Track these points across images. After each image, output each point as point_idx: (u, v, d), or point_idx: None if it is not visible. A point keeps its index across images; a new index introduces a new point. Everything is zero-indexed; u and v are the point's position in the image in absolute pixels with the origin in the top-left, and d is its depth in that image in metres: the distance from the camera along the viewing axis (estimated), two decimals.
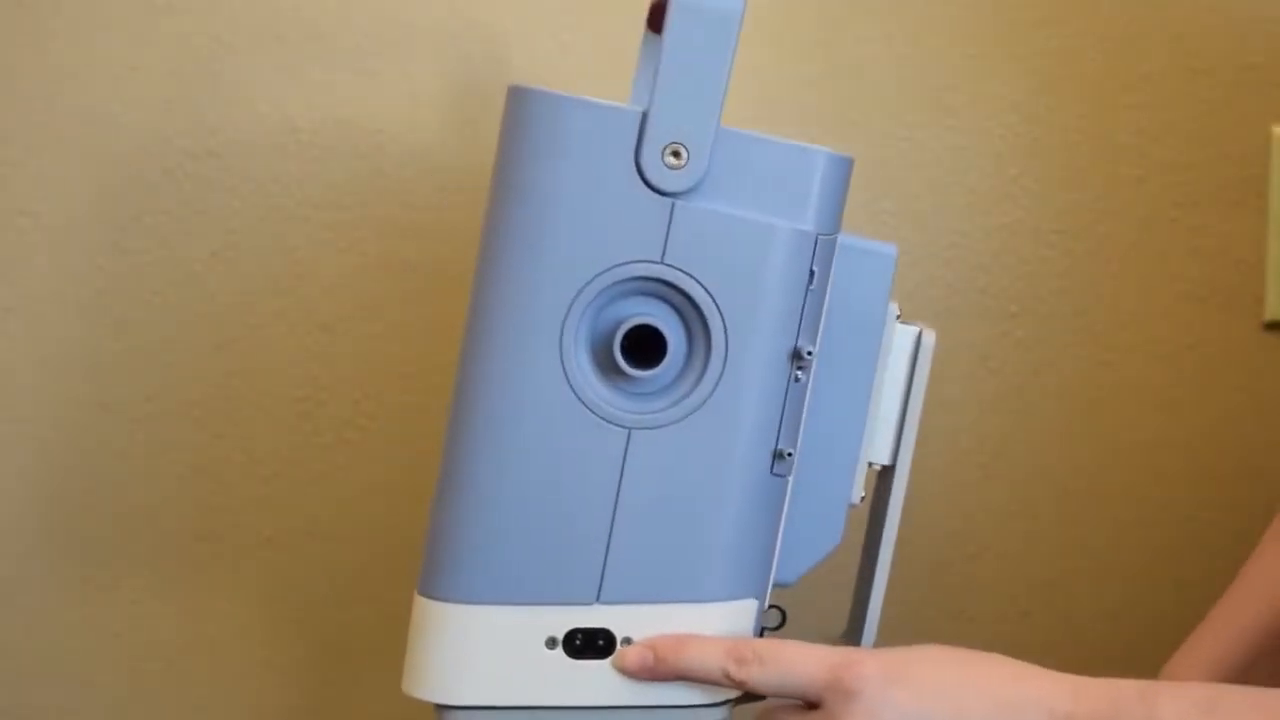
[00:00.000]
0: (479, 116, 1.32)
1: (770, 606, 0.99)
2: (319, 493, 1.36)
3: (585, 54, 1.33)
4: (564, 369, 0.92)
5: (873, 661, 0.93)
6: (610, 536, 0.93)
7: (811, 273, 0.93)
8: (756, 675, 0.93)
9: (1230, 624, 1.12)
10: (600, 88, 1.31)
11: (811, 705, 0.94)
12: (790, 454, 0.94)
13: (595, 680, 0.94)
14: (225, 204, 1.33)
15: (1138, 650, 1.40)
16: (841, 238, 0.96)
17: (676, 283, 0.92)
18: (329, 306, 1.34)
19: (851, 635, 1.05)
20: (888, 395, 1.00)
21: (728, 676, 0.93)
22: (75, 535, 1.36)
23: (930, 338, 1.00)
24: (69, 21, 1.31)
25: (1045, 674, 0.93)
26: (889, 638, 1.12)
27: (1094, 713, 0.90)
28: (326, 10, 1.32)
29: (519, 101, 0.93)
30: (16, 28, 1.31)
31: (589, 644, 0.94)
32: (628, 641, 0.94)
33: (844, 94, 1.34)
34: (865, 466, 1.01)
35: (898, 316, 1.00)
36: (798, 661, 0.93)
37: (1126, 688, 0.91)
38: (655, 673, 0.94)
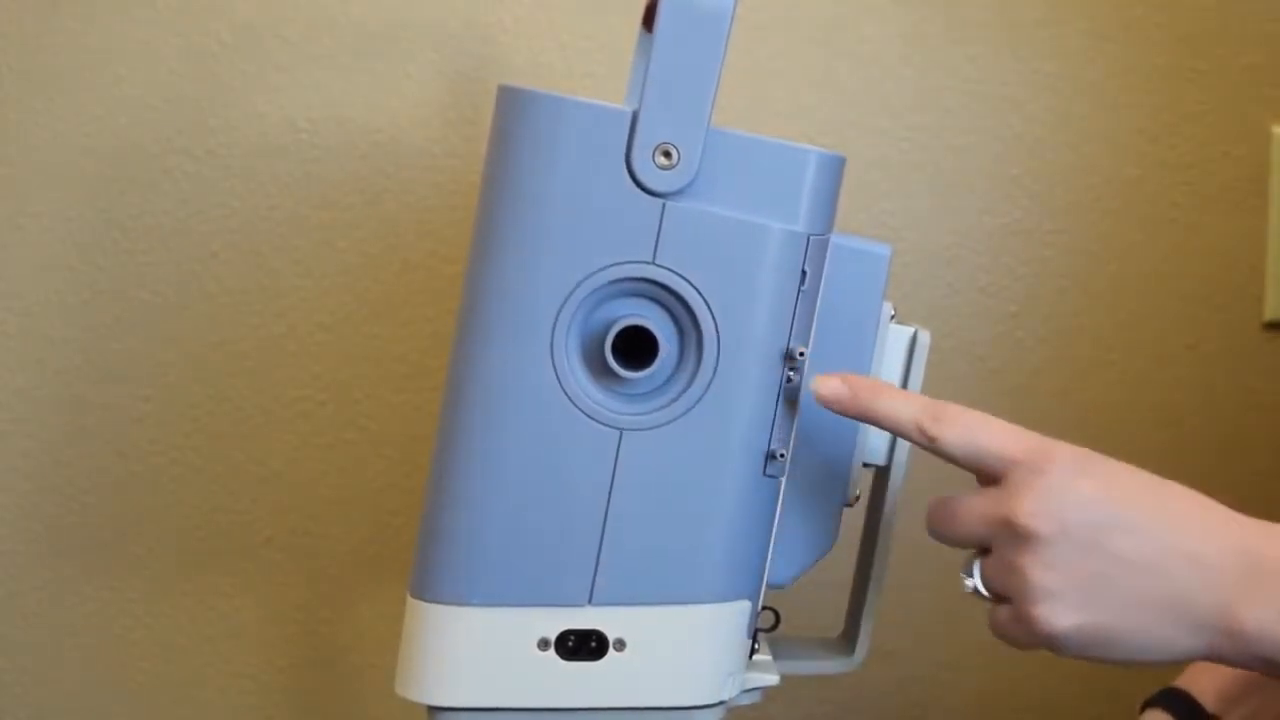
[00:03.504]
0: (479, 116, 1.32)
1: (764, 608, 0.99)
2: (319, 493, 1.36)
3: (585, 54, 1.33)
4: (555, 370, 0.92)
5: (1068, 450, 0.89)
6: (602, 538, 0.93)
7: (803, 273, 0.93)
8: (949, 434, 0.89)
9: None
10: (600, 88, 1.31)
11: (989, 482, 0.90)
12: (783, 455, 0.94)
13: (588, 682, 0.94)
14: (225, 204, 1.33)
15: None
16: (834, 238, 0.95)
17: (668, 283, 0.92)
18: (329, 306, 1.34)
19: (847, 637, 1.04)
20: None
21: (920, 429, 0.90)
22: (75, 535, 1.36)
23: (925, 338, 1.00)
24: (68, 21, 1.31)
25: (1237, 516, 0.89)
26: (886, 638, 1.12)
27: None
28: (326, 10, 1.32)
29: (509, 101, 0.92)
30: (16, 28, 1.31)
31: (581, 645, 0.94)
32: (620, 643, 0.94)
33: (844, 94, 1.34)
34: (860, 467, 1.01)
35: (892, 317, 1.00)
36: (994, 431, 0.89)
37: None
38: (846, 406, 0.92)
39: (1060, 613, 0.86)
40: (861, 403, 0.92)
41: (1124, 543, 0.87)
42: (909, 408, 0.91)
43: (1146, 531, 0.87)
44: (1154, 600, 0.86)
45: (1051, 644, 0.88)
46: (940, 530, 0.91)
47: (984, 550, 0.90)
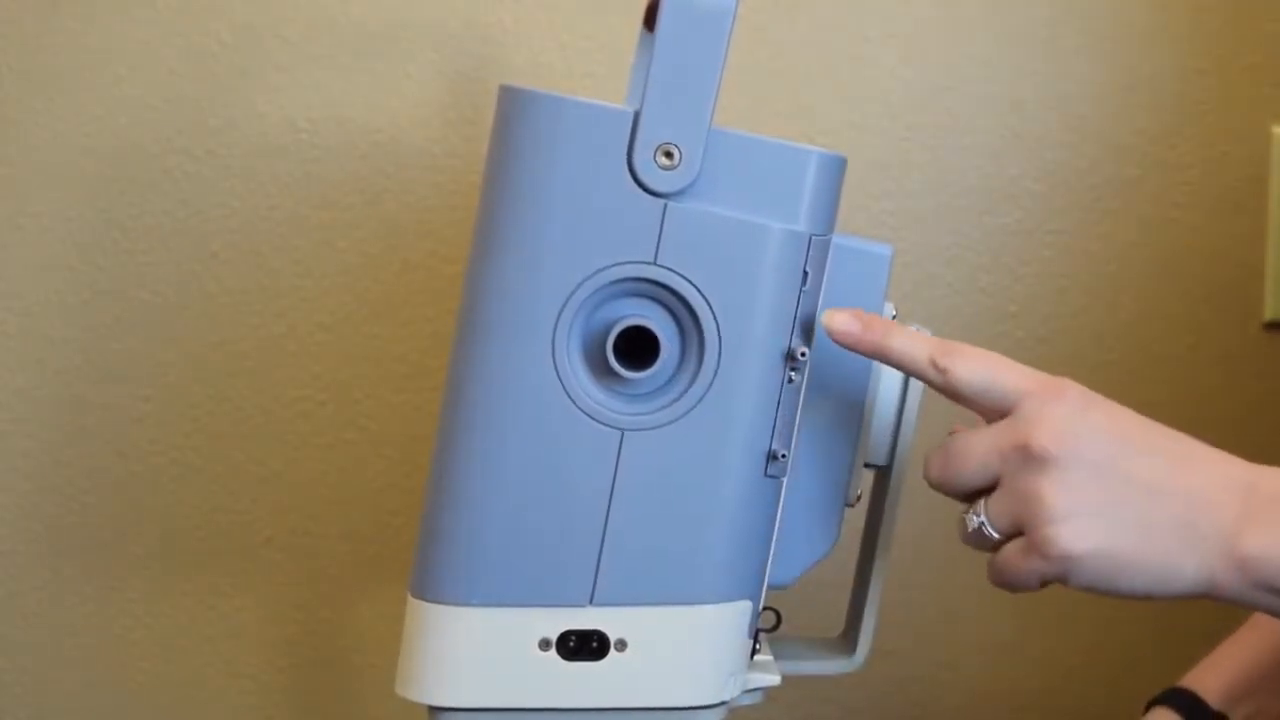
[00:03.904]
0: (479, 116, 1.32)
1: (766, 608, 0.99)
2: (319, 493, 1.36)
3: (585, 54, 1.33)
4: (556, 370, 0.92)
5: (1078, 386, 0.91)
6: (604, 538, 0.93)
7: (805, 273, 0.93)
8: (962, 366, 0.90)
9: (1255, 630, 1.12)
10: (600, 88, 1.31)
11: (996, 417, 0.91)
12: (784, 455, 0.94)
13: (589, 682, 0.94)
14: (225, 204, 1.33)
15: (1138, 650, 1.40)
16: (836, 238, 0.95)
17: (669, 284, 0.91)
18: (329, 306, 1.34)
19: (847, 637, 1.04)
20: (884, 395, 1.00)
21: (934, 364, 0.91)
22: (75, 535, 1.36)
23: None
24: (68, 21, 1.31)
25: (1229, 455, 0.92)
26: (886, 639, 1.12)
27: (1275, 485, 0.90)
28: (326, 10, 1.32)
29: (510, 101, 0.92)
30: (16, 28, 1.31)
31: (582, 646, 0.94)
32: (622, 643, 0.94)
33: (844, 94, 1.34)
34: (861, 467, 1.01)
35: (893, 317, 1.00)
36: (1007, 364, 0.91)
37: None
38: (858, 340, 0.92)
39: (1078, 533, 0.87)
40: (875, 337, 0.92)
41: (1133, 467, 0.89)
42: (922, 343, 0.92)
43: (1153, 461, 0.89)
44: (1163, 525, 0.88)
45: (1066, 567, 0.88)
46: (947, 469, 0.92)
47: (987, 492, 0.91)
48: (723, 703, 0.96)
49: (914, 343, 0.92)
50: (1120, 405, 0.92)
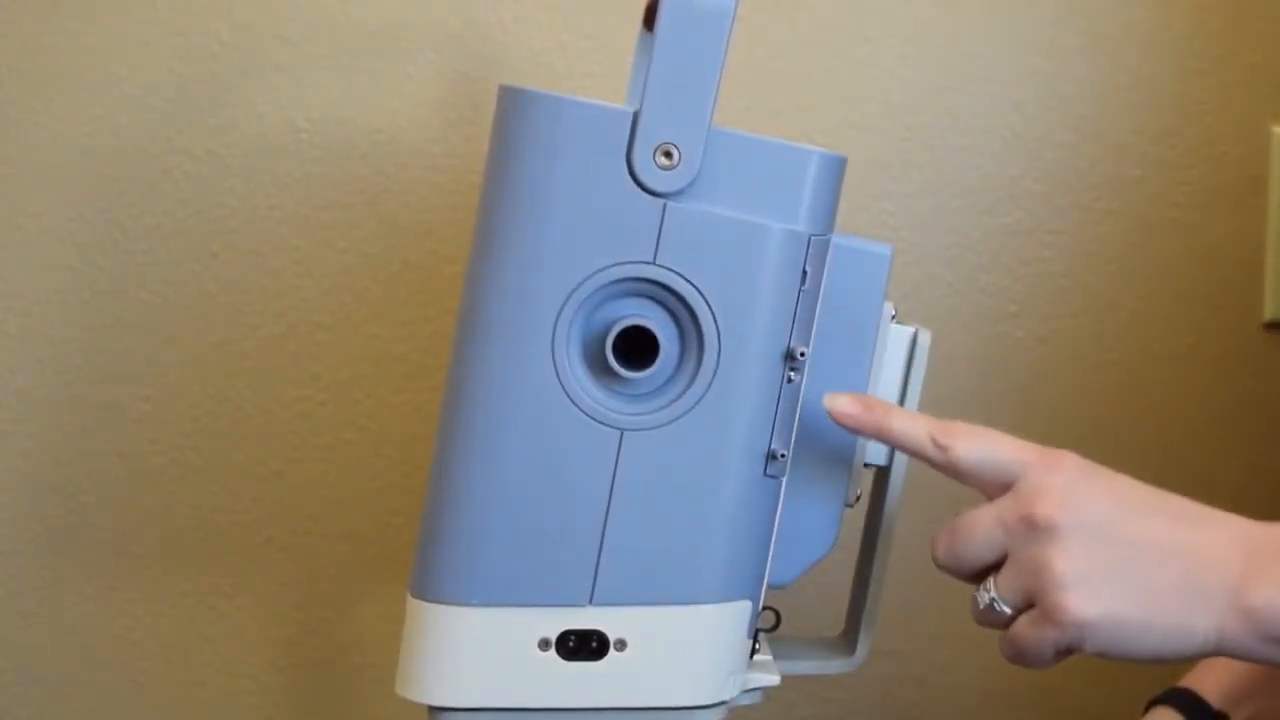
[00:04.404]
0: (479, 116, 1.32)
1: (765, 608, 0.99)
2: (319, 493, 1.36)
3: (585, 54, 1.33)
4: (556, 370, 0.92)
5: (1076, 456, 0.92)
6: (603, 538, 0.93)
7: (804, 273, 0.93)
8: (961, 445, 0.92)
9: None
10: (600, 88, 1.31)
11: (997, 492, 0.92)
12: (784, 455, 0.94)
13: (588, 682, 0.94)
14: (225, 204, 1.33)
15: None
16: (835, 238, 0.95)
17: (669, 284, 0.91)
18: (329, 306, 1.34)
19: (847, 637, 1.04)
20: (884, 396, 1.00)
21: (935, 442, 0.92)
22: (75, 535, 1.36)
23: (926, 338, 1.00)
24: (68, 21, 1.31)
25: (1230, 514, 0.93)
26: (886, 640, 1.12)
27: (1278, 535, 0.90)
28: (326, 10, 1.32)
29: (510, 101, 0.92)
30: (16, 28, 1.31)
31: (582, 646, 0.94)
32: (621, 643, 0.94)
33: (844, 94, 1.34)
34: (861, 467, 1.01)
35: (893, 317, 1.00)
36: (1006, 440, 0.93)
37: None
38: (861, 423, 0.94)
39: (1089, 598, 0.88)
40: (876, 418, 0.94)
41: (1137, 530, 0.90)
42: (921, 423, 0.94)
43: (1155, 522, 0.90)
44: (1170, 587, 0.89)
45: (1081, 633, 0.89)
46: (954, 550, 0.93)
47: (995, 567, 0.92)
48: (722, 703, 0.97)
49: (913, 423, 0.94)
50: (1117, 472, 0.93)
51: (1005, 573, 0.91)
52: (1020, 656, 0.92)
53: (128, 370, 1.34)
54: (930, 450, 0.93)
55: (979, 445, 0.92)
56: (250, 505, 1.36)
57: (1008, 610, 0.91)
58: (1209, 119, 1.35)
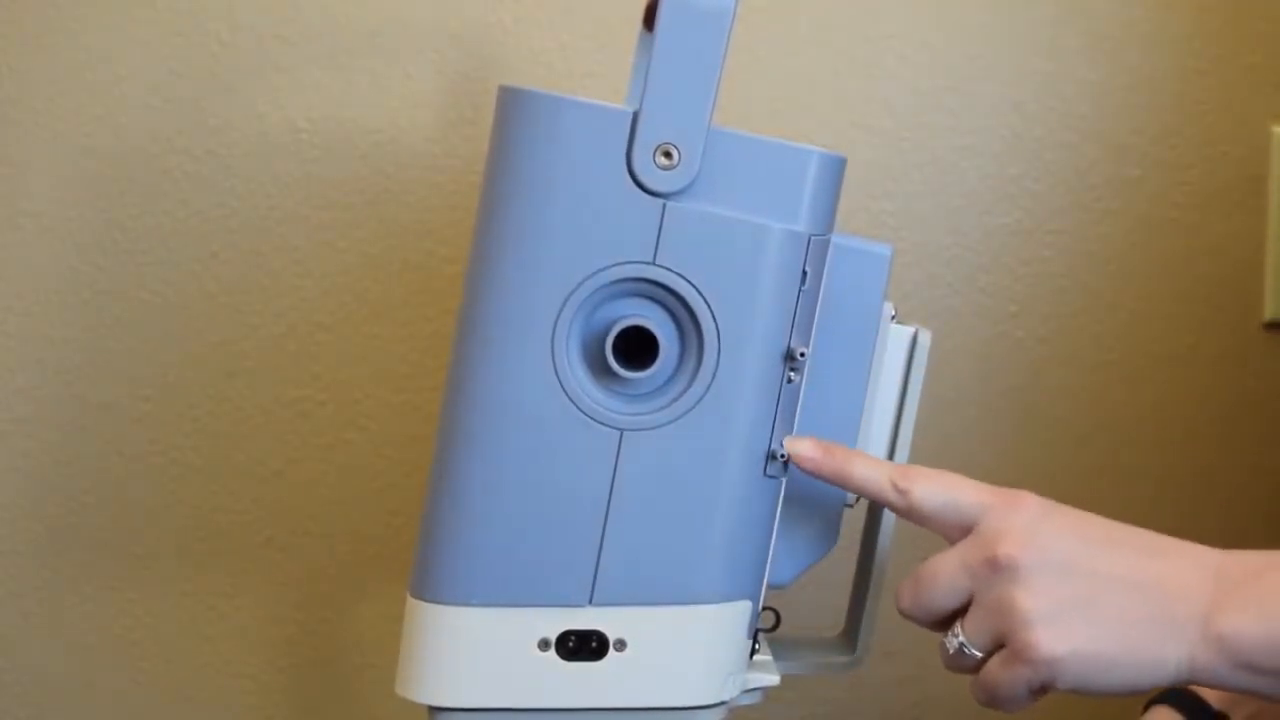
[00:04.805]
0: (479, 116, 1.32)
1: (765, 608, 0.99)
2: (319, 493, 1.36)
3: (585, 54, 1.33)
4: (556, 370, 0.92)
5: (1034, 495, 0.92)
6: (603, 538, 0.93)
7: (804, 273, 0.93)
8: (921, 489, 0.92)
9: None
10: (600, 88, 1.31)
11: (958, 536, 0.93)
12: (783, 455, 0.94)
13: (588, 682, 0.94)
14: (225, 204, 1.33)
15: None
16: (835, 238, 0.95)
17: (668, 284, 0.92)
18: (329, 306, 1.34)
19: (847, 637, 1.04)
20: (883, 396, 1.00)
21: (895, 486, 0.93)
22: (75, 535, 1.36)
23: (926, 338, 1.00)
24: (68, 21, 1.31)
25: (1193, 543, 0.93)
26: (886, 639, 1.12)
27: (1245, 562, 0.90)
28: (326, 10, 1.32)
29: (510, 101, 0.92)
30: (16, 28, 1.31)
31: (582, 646, 0.94)
32: (621, 643, 0.94)
33: (844, 94, 1.34)
34: None
35: (893, 317, 1.00)
36: (965, 482, 0.93)
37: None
38: (820, 467, 0.94)
39: (1059, 635, 0.89)
40: (836, 464, 0.94)
41: (1102, 563, 0.90)
42: (882, 468, 0.94)
43: (1119, 555, 0.91)
44: (1139, 619, 0.89)
45: (1051, 670, 0.89)
46: (919, 598, 0.93)
47: (961, 612, 0.92)
48: (722, 703, 0.97)
49: (874, 468, 0.94)
50: (1077, 509, 0.93)
51: (972, 616, 0.91)
52: (993, 699, 0.92)
53: (128, 370, 1.34)
54: (891, 495, 0.93)
55: (939, 489, 0.93)
56: (250, 505, 1.36)
57: (977, 653, 0.92)
58: (1209, 119, 1.35)
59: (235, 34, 1.32)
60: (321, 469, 1.36)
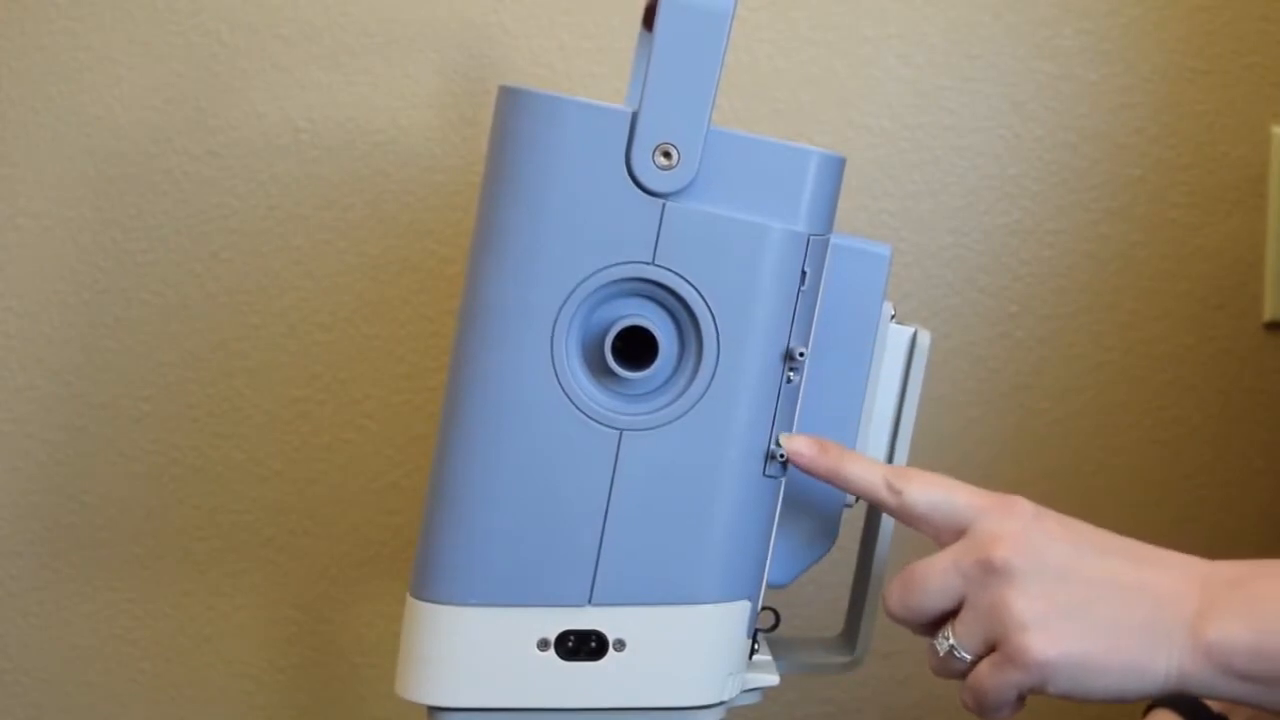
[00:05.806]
0: (479, 117, 1.32)
1: (764, 608, 0.99)
2: (319, 493, 1.36)
3: (585, 54, 1.33)
4: (555, 370, 0.92)
5: (1026, 500, 0.92)
6: (602, 538, 0.93)
7: (804, 273, 0.93)
8: (915, 490, 0.92)
9: None
10: (600, 88, 1.31)
11: (950, 539, 0.92)
12: (783, 455, 0.94)
13: (587, 682, 0.94)
14: (225, 204, 1.33)
15: None
16: (835, 238, 0.95)
17: (668, 284, 0.92)
18: (329, 306, 1.34)
19: (847, 637, 1.04)
20: (883, 396, 1.00)
21: (889, 486, 0.93)
22: (75, 535, 1.36)
23: (925, 338, 1.00)
24: (68, 21, 1.31)
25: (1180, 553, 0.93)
26: (886, 639, 1.12)
27: (1232, 571, 0.90)
28: (326, 10, 1.32)
29: (509, 102, 0.92)
30: (16, 28, 1.31)
31: (581, 646, 0.94)
32: (620, 643, 0.94)
33: (844, 94, 1.34)
34: None
35: (892, 317, 1.00)
36: (958, 485, 0.93)
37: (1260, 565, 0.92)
38: (815, 464, 0.94)
39: (1051, 639, 0.89)
40: (830, 462, 0.94)
41: (1094, 569, 0.90)
42: (876, 468, 0.94)
43: (1111, 561, 0.91)
44: (1130, 625, 0.89)
45: (1043, 674, 0.89)
46: (908, 600, 0.93)
47: (952, 615, 0.92)
48: (721, 703, 0.97)
49: (868, 468, 0.94)
50: (1067, 516, 0.93)
51: (963, 618, 0.91)
52: (981, 703, 0.92)
53: (128, 370, 1.34)
54: (884, 495, 0.93)
55: (932, 491, 0.93)
56: (250, 505, 1.36)
57: (967, 656, 0.91)
58: (1209, 119, 1.35)
59: (235, 34, 1.32)
60: (321, 469, 1.36)
